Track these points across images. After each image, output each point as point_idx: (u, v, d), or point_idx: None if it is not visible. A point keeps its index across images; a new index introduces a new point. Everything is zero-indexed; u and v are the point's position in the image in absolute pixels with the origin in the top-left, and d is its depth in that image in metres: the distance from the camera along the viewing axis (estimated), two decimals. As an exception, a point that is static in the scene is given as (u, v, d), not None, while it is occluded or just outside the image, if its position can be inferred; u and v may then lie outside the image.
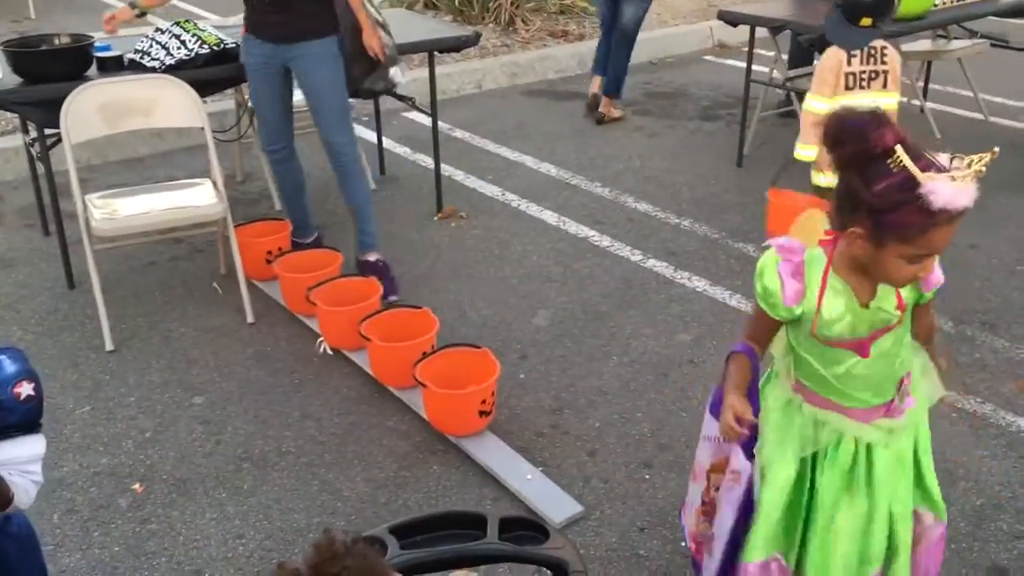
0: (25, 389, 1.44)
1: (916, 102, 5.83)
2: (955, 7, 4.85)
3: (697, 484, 2.17)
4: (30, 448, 1.47)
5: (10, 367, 1.44)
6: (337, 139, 3.65)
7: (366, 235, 3.80)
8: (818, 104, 3.78)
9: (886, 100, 3.73)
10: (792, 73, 5.06)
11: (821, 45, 4.83)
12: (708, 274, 3.92)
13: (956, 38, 5.65)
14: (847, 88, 3.76)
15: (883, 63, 3.75)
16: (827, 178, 3.71)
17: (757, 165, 5.07)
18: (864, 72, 3.76)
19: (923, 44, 5.66)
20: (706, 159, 5.20)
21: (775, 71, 5.27)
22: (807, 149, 3.86)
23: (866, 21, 3.71)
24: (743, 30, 5.07)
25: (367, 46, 3.64)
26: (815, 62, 4.90)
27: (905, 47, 5.48)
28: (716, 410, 2.04)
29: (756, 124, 5.18)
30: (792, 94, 5.05)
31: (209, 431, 2.96)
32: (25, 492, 1.46)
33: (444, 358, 3.01)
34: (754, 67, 5.00)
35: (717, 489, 2.07)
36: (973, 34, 5.63)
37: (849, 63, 3.74)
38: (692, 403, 3.08)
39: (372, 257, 3.80)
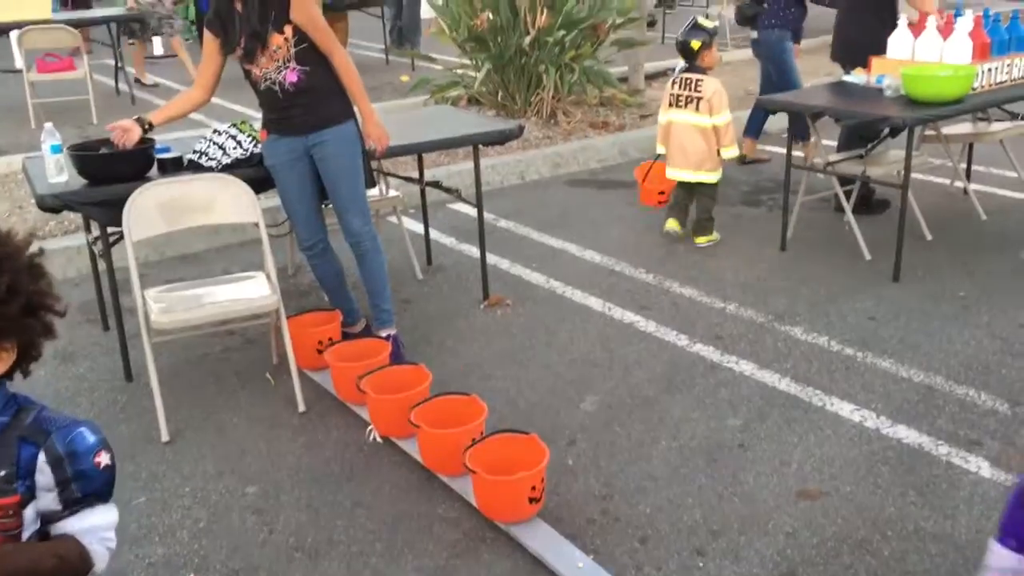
0: (104, 459, 1.51)
1: (960, 184, 5.83)
2: (994, 90, 4.89)
3: None
4: (107, 516, 1.54)
5: (91, 437, 1.50)
6: (356, 224, 3.80)
7: (383, 312, 3.97)
8: (661, 116, 5.31)
9: (697, 119, 5.07)
10: (833, 158, 5.11)
11: (865, 130, 4.92)
12: (756, 358, 3.91)
13: (997, 120, 5.67)
14: (670, 105, 5.16)
15: (697, 91, 5.05)
16: (676, 171, 5.21)
17: (801, 248, 5.08)
18: (682, 95, 5.11)
19: (964, 127, 5.70)
20: (749, 244, 5.23)
21: (815, 156, 5.32)
22: (660, 147, 5.33)
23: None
24: (781, 116, 5.16)
25: (366, 135, 3.80)
26: (869, 146, 4.99)
27: (946, 130, 5.52)
28: (1008, 542, 1.97)
29: (799, 209, 5.21)
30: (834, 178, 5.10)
31: (262, 521, 2.98)
32: (103, 559, 1.54)
33: (493, 445, 3.02)
34: (795, 152, 5.06)
35: None
36: (1014, 116, 5.65)
37: (673, 87, 5.14)
38: (744, 488, 3.05)
39: (384, 333, 3.94)
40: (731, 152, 5.16)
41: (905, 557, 2.72)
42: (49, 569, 1.45)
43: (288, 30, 3.51)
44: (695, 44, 5.08)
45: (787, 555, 2.73)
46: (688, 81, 5.08)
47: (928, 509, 2.92)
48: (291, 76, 3.57)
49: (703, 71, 5.11)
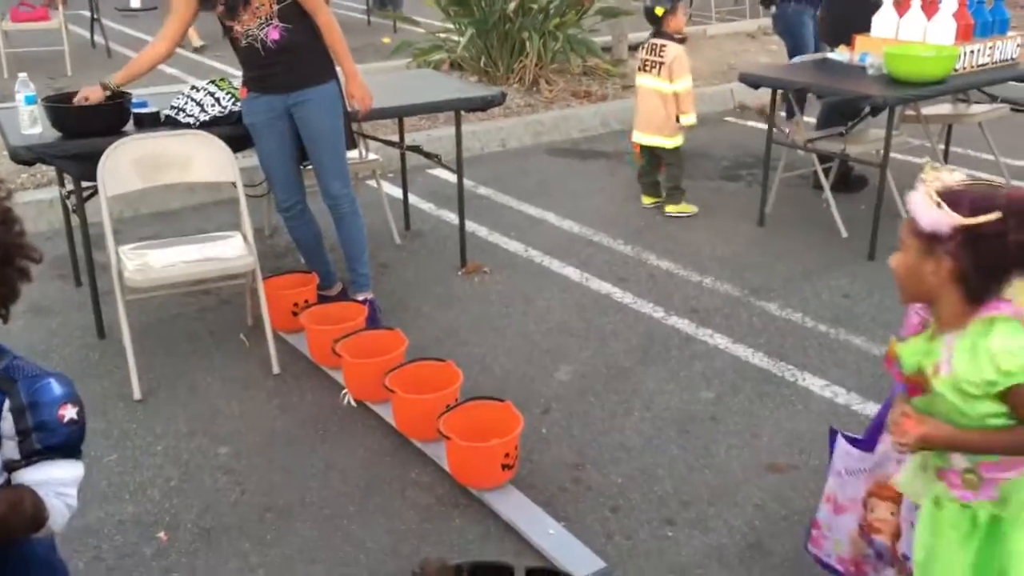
0: (69, 412, 1.47)
1: (936, 165, 5.86)
2: (975, 72, 4.91)
3: (848, 514, 2.29)
4: (68, 471, 1.49)
5: (57, 389, 1.47)
6: (336, 187, 3.78)
7: (360, 276, 3.95)
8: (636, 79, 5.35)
9: (658, 84, 5.12)
10: (815, 135, 5.12)
11: (846, 108, 4.93)
12: (730, 332, 3.93)
13: (976, 103, 5.70)
14: (639, 70, 5.25)
15: (660, 57, 5.11)
16: (638, 135, 5.27)
17: (779, 224, 5.10)
18: (648, 61, 5.17)
19: (944, 108, 5.72)
20: (727, 218, 5.24)
21: (796, 133, 5.33)
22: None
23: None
24: (764, 91, 5.16)
25: (349, 95, 3.76)
26: (850, 124, 5.00)
27: (926, 111, 5.54)
28: (864, 444, 2.20)
29: (778, 185, 5.23)
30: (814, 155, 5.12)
31: (234, 481, 2.98)
32: (60, 515, 1.49)
33: (467, 411, 3.03)
34: (775, 128, 5.07)
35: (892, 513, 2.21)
36: (993, 99, 5.68)
37: (641, 52, 5.24)
38: (715, 460, 3.08)
39: (361, 297, 3.92)
40: (689, 119, 5.16)
41: (870, 531, 2.76)
42: None
43: None
44: (659, 10, 5.14)
45: (755, 526, 2.77)
46: (654, 47, 5.16)
47: (894, 485, 2.96)
48: (273, 34, 3.52)
49: (670, 37, 5.16)
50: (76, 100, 3.60)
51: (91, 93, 3.60)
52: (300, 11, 3.54)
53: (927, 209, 1.69)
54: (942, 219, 1.67)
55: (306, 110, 3.66)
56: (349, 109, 3.79)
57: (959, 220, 1.65)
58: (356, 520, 2.80)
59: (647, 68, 5.18)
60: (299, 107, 3.66)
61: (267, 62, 3.58)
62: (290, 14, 3.52)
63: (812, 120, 5.59)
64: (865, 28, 5.06)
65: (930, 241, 1.70)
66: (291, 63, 3.59)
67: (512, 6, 7.20)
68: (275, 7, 3.49)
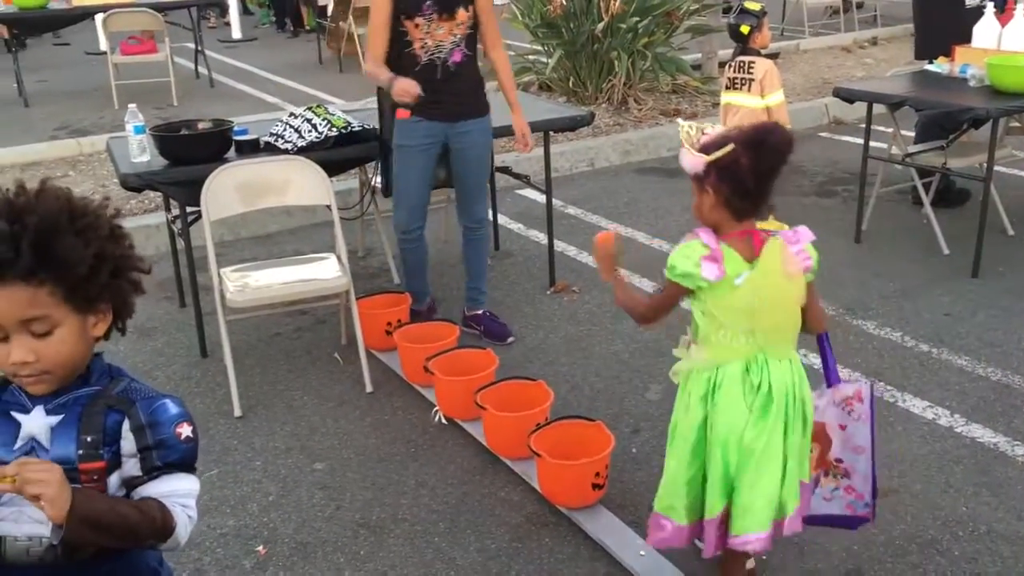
0: (185, 430, 1.54)
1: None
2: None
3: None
4: (188, 484, 1.56)
5: (173, 409, 1.55)
6: (480, 211, 3.97)
7: (481, 293, 4.10)
8: (721, 99, 5.38)
9: (750, 100, 5.11)
10: (913, 149, 4.98)
11: (947, 121, 4.79)
12: (826, 351, 3.84)
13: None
14: (727, 88, 5.26)
15: (749, 73, 5.11)
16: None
17: (876, 241, 4.97)
18: (736, 78, 5.19)
19: (1051, 118, 5.49)
20: (822, 235, 5.05)
21: (894, 147, 5.19)
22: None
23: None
24: (858, 106, 5.05)
25: (516, 126, 3.89)
26: (951, 137, 4.85)
27: (1030, 122, 5.34)
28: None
29: (875, 200, 5.10)
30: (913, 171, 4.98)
31: (329, 496, 3.05)
32: (184, 526, 1.55)
33: (558, 430, 3.03)
34: (871, 143, 4.95)
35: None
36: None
37: (728, 70, 5.24)
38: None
39: (482, 310, 4.08)
40: None
41: (977, 558, 2.66)
42: (132, 523, 1.48)
43: (471, 9, 3.63)
44: (744, 28, 5.12)
45: (853, 552, 2.70)
46: (742, 64, 5.15)
47: (1002, 511, 2.85)
48: (456, 56, 3.65)
49: (756, 52, 5.15)
50: (399, 91, 3.51)
51: (410, 87, 3.50)
52: (475, 44, 3.71)
53: (686, 157, 2.21)
54: (696, 162, 2.18)
55: (467, 140, 3.77)
56: (518, 139, 3.93)
57: (705, 158, 2.16)
58: (446, 537, 2.83)
59: (736, 86, 5.16)
60: (460, 137, 3.76)
61: (439, 86, 3.62)
62: (470, 43, 3.67)
63: (908, 133, 5.44)
64: (959, 39, 4.92)
65: (699, 181, 2.21)
66: (460, 91, 3.71)
67: (600, 27, 7.22)
68: (467, 31, 3.63)
